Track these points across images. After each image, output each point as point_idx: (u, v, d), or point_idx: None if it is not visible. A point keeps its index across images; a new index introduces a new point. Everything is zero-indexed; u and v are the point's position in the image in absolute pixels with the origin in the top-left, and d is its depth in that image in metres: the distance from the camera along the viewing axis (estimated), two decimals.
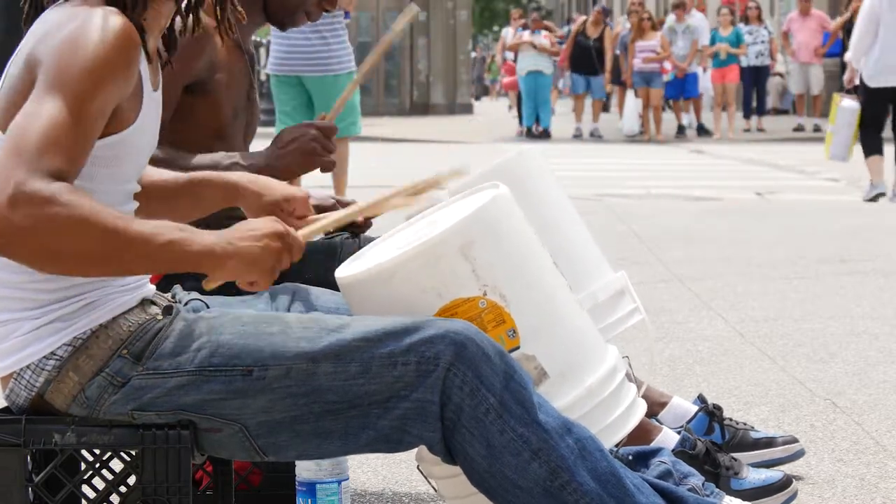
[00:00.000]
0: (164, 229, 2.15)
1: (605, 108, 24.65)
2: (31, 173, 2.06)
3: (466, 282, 2.34)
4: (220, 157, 3.08)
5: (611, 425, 2.45)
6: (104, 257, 2.12)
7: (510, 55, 22.88)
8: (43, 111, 2.12)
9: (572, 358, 2.43)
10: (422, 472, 2.54)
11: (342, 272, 2.44)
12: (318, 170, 3.15)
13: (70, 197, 2.07)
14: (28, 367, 2.28)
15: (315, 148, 3.11)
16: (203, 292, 2.48)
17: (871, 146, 10.62)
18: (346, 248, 3.08)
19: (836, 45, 19.26)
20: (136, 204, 2.40)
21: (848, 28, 15.25)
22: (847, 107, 10.69)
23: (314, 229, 2.47)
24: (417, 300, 2.32)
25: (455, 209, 2.52)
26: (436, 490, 2.56)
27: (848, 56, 11.02)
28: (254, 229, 2.24)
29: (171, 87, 2.96)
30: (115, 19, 2.19)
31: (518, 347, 2.36)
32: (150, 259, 2.15)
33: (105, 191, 2.27)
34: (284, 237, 2.26)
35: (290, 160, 3.10)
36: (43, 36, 2.22)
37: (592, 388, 2.43)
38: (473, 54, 42.50)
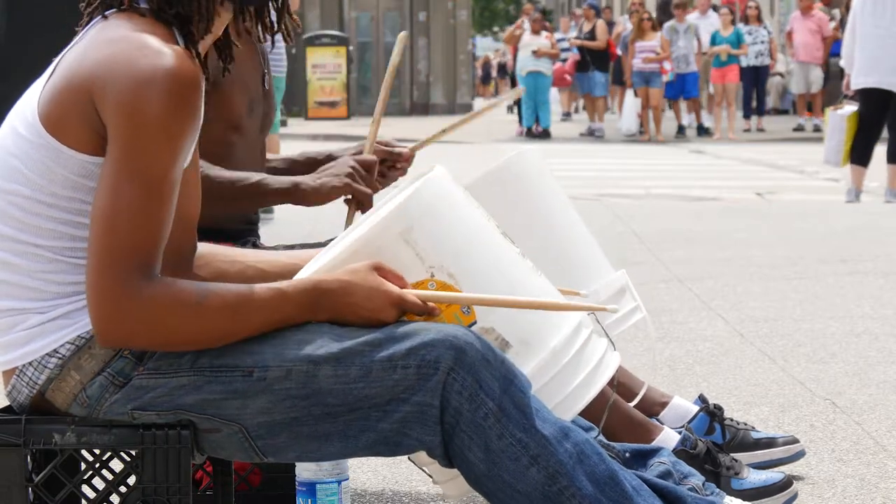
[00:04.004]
0: (281, 284, 2.26)
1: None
2: (130, 278, 2.15)
3: (412, 266, 2.33)
4: (244, 175, 3.04)
5: (582, 382, 2.42)
6: (229, 332, 2.24)
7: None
8: (125, 200, 2.14)
9: (532, 323, 2.40)
10: (424, 471, 2.53)
11: (302, 275, 2.43)
12: (346, 200, 3.06)
13: (173, 291, 2.16)
14: (31, 363, 2.28)
15: (352, 174, 3.05)
16: None
17: (855, 155, 10.61)
18: None
19: (837, 46, 19.24)
20: None
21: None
22: (837, 112, 10.75)
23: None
24: None
25: (394, 200, 2.51)
26: (434, 481, 2.56)
27: (842, 62, 11.04)
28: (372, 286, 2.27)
29: None
30: (183, 67, 2.16)
31: (475, 322, 2.34)
32: (277, 310, 2.25)
33: None
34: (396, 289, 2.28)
35: (323, 181, 3.04)
36: (106, 62, 2.18)
37: (557, 349, 2.40)
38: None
